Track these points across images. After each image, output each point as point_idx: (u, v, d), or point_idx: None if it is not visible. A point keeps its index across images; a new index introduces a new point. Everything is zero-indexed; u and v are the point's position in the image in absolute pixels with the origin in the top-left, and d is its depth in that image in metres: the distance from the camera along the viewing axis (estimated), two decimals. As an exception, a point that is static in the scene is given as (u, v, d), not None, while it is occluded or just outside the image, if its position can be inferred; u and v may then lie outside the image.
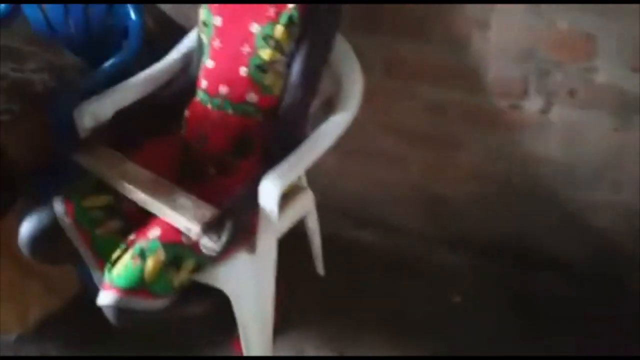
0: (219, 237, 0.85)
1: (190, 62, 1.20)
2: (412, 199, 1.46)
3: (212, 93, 1.06)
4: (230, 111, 1.04)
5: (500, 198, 1.35)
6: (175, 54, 1.24)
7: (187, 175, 1.06)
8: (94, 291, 0.93)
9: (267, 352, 1.11)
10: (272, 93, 1.03)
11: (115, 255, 0.95)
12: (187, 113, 1.12)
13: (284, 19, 0.98)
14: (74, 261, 1.03)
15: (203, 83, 1.08)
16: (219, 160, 1.06)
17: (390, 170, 1.45)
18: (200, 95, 1.09)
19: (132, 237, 0.99)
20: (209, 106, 1.07)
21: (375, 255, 1.44)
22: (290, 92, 1.02)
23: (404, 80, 1.31)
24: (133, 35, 1.28)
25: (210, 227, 0.86)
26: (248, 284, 0.99)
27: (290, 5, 0.98)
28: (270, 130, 1.04)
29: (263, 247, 0.99)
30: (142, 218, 0.99)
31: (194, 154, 1.09)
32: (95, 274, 1.01)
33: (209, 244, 0.87)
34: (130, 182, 0.96)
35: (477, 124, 1.30)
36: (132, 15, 1.28)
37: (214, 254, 0.88)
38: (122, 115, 1.12)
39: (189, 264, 0.91)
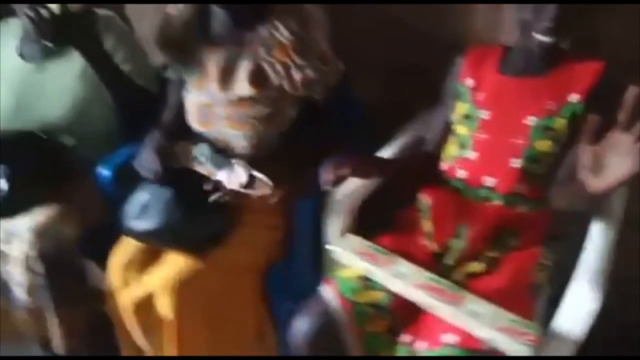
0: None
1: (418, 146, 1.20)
2: None
3: (473, 184, 1.04)
4: (496, 202, 1.01)
5: None
6: (405, 139, 1.25)
7: (442, 267, 1.03)
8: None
9: None
10: (541, 184, 0.99)
11: (386, 351, 0.93)
12: (428, 200, 1.10)
13: (567, 112, 0.96)
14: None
15: (460, 173, 1.06)
16: (479, 253, 1.02)
17: None
18: (453, 185, 1.07)
19: (406, 338, 0.96)
20: (469, 197, 1.04)
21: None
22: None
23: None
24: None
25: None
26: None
27: (574, 99, 0.95)
28: (538, 220, 1.01)
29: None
30: (408, 316, 0.97)
31: (452, 247, 1.06)
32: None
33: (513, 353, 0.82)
34: (410, 284, 0.94)
35: None
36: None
37: None
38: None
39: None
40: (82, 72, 1.27)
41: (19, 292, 1.20)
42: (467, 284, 0.97)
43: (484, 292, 0.93)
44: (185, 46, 1.18)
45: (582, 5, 0.93)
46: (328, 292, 1.00)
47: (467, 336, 0.88)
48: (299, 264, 1.19)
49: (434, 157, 1.13)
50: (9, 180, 1.19)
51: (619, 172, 0.78)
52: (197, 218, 1.09)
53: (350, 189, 1.13)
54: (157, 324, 1.12)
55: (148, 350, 1.18)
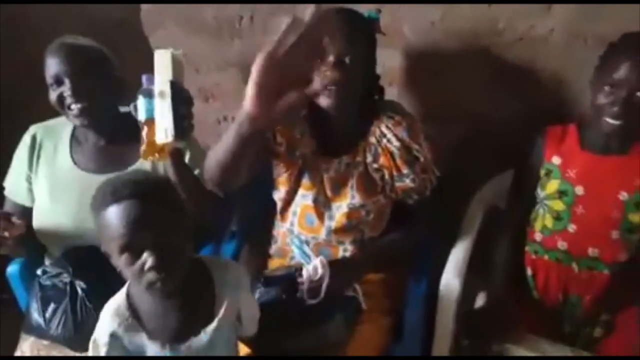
0: None
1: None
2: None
3: (577, 254, 1.14)
4: (605, 271, 1.12)
5: None
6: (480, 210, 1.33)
7: (570, 340, 1.12)
8: None
9: None
10: (638, 252, 1.12)
11: None
12: (530, 271, 1.20)
13: (654, 186, 1.09)
14: None
15: (561, 244, 1.16)
16: (595, 319, 1.13)
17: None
18: (554, 255, 1.17)
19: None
20: (575, 267, 1.15)
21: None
22: None
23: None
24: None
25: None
26: None
27: (659, 175, 1.10)
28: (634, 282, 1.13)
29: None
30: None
31: (566, 315, 1.15)
32: None
33: None
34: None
35: None
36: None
37: None
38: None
39: None
40: None
41: None
42: (597, 347, 1.07)
43: (615, 353, 1.03)
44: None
45: None
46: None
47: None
48: (409, 347, 1.21)
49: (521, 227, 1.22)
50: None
51: None
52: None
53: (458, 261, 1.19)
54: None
55: None
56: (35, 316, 1.14)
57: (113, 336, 0.85)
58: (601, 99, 1.07)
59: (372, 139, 1.13)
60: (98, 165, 1.20)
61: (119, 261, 0.81)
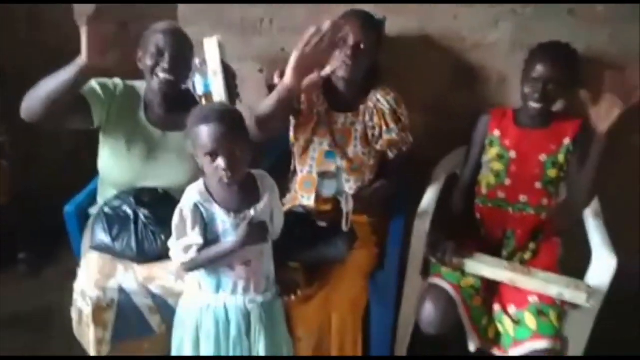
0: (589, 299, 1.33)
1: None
2: None
3: (511, 201, 1.56)
4: (532, 212, 1.54)
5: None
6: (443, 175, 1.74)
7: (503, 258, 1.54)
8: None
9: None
10: (555, 197, 1.55)
11: (485, 321, 1.40)
12: (478, 216, 1.61)
13: (564, 150, 1.53)
14: (454, 331, 1.43)
15: (500, 195, 1.57)
16: (526, 247, 1.55)
17: None
18: (495, 203, 1.58)
19: (496, 307, 1.43)
20: (510, 210, 1.56)
21: None
22: (572, 192, 1.53)
23: None
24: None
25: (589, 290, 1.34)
26: (587, 330, 1.44)
27: (567, 142, 1.53)
28: (553, 221, 1.56)
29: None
30: (492, 293, 1.46)
31: (504, 245, 1.57)
32: (471, 338, 1.42)
33: (577, 301, 1.34)
34: (496, 269, 1.42)
35: None
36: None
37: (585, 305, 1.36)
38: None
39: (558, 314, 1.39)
40: None
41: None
42: (526, 265, 1.48)
43: (539, 268, 1.45)
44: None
45: (558, 86, 1.49)
46: (442, 283, 1.43)
47: (542, 296, 1.38)
48: (390, 271, 1.59)
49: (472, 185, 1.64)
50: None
51: (613, 114, 1.33)
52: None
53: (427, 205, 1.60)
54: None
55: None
56: (102, 236, 1.45)
57: (195, 205, 1.22)
58: (527, 89, 1.51)
59: (370, 103, 1.58)
60: (163, 125, 1.53)
61: (203, 161, 1.20)
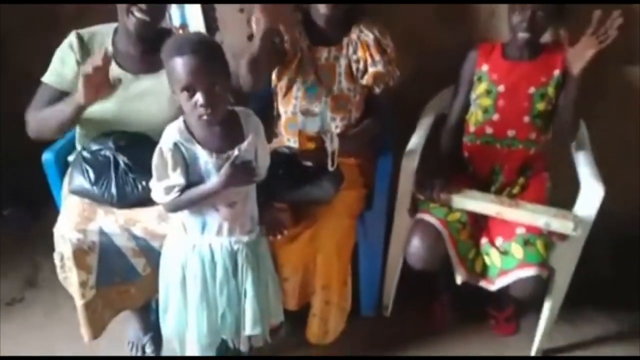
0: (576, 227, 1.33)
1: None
2: None
3: (499, 136, 1.53)
4: (520, 147, 1.52)
5: None
6: (431, 116, 1.71)
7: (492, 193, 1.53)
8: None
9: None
10: (544, 132, 1.53)
11: (472, 254, 1.40)
12: (466, 154, 1.59)
13: (554, 82, 1.49)
14: (441, 266, 1.43)
15: (488, 130, 1.55)
16: (515, 182, 1.53)
17: None
18: (484, 140, 1.56)
19: (484, 240, 1.43)
20: (498, 146, 1.54)
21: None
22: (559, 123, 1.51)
23: None
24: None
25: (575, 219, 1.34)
26: (573, 261, 1.45)
27: (557, 73, 1.49)
28: (542, 156, 1.55)
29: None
30: (479, 226, 1.45)
31: (492, 181, 1.55)
32: (458, 271, 1.42)
33: (564, 230, 1.34)
34: (484, 202, 1.41)
35: None
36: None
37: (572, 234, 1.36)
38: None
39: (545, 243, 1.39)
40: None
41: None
42: (514, 199, 1.47)
43: (527, 201, 1.44)
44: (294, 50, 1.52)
45: (546, 15, 1.44)
46: (429, 217, 1.42)
47: (529, 227, 1.37)
48: (377, 211, 1.58)
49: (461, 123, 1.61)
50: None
51: (587, 55, 1.33)
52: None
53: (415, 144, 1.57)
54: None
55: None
56: (81, 180, 1.41)
57: (175, 145, 1.17)
58: (514, 18, 1.46)
59: (353, 36, 1.52)
60: (136, 69, 1.47)
61: (180, 97, 1.14)
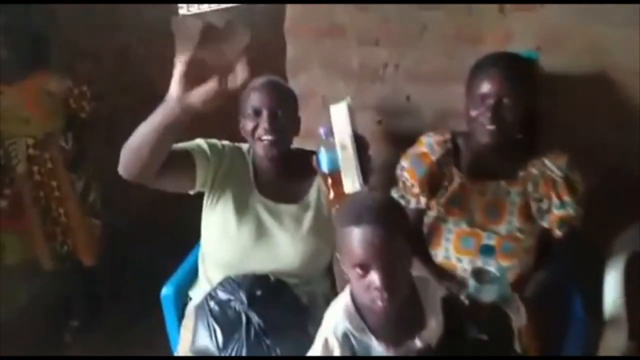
0: None
1: None
2: None
3: None
4: None
5: None
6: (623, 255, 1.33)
7: None
8: None
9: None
10: None
11: None
12: None
13: None
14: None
15: None
16: None
17: None
18: None
19: None
20: None
21: None
22: None
23: None
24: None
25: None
26: None
27: None
28: None
29: None
30: None
31: None
32: None
33: None
34: None
35: None
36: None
37: None
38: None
39: None
40: (314, 221, 1.28)
41: None
42: None
43: None
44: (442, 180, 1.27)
45: None
46: None
47: None
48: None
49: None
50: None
51: None
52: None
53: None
54: None
55: None
56: (207, 340, 1.20)
57: (345, 335, 0.92)
58: None
59: (534, 170, 1.23)
60: (276, 195, 1.29)
61: (350, 272, 0.90)
